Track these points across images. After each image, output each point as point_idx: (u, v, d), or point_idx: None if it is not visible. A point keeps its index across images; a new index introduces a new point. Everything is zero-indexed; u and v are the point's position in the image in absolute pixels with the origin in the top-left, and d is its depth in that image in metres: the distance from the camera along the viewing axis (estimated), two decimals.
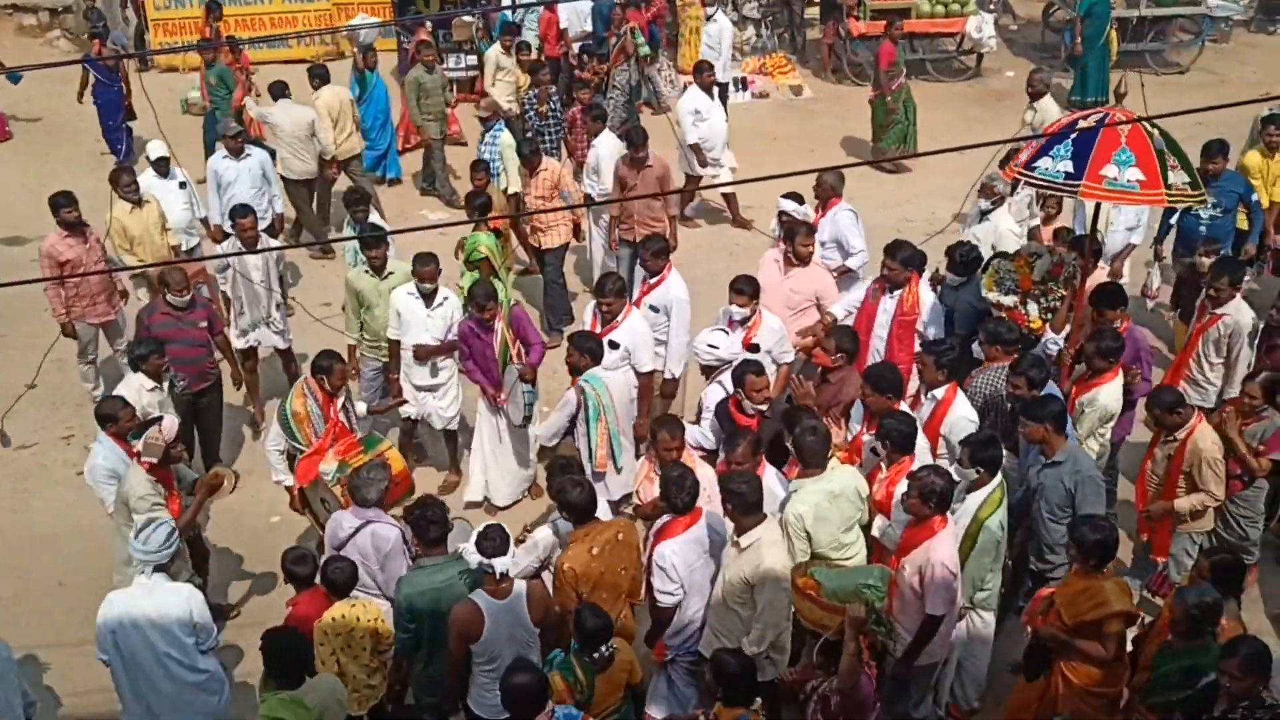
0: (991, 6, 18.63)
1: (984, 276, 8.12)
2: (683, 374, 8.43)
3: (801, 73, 17.62)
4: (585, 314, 8.14)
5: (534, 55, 14.29)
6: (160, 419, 6.71)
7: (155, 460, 6.54)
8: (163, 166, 10.35)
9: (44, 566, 8.16)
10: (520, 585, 5.74)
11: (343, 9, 17.61)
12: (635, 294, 8.57)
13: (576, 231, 10.83)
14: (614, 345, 7.72)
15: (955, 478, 6.30)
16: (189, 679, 5.92)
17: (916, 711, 6.23)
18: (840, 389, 7.21)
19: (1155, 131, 6.86)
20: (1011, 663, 6.62)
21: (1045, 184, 7.13)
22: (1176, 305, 9.94)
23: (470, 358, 8.25)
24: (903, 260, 7.93)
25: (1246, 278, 9.28)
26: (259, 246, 9.08)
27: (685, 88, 14.00)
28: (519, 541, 6.09)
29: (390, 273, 8.62)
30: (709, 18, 14.30)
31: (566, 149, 12.66)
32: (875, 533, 6.29)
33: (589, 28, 15.45)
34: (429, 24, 15.28)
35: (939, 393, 6.99)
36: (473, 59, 15.58)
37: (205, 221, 10.81)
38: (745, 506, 5.73)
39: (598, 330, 7.78)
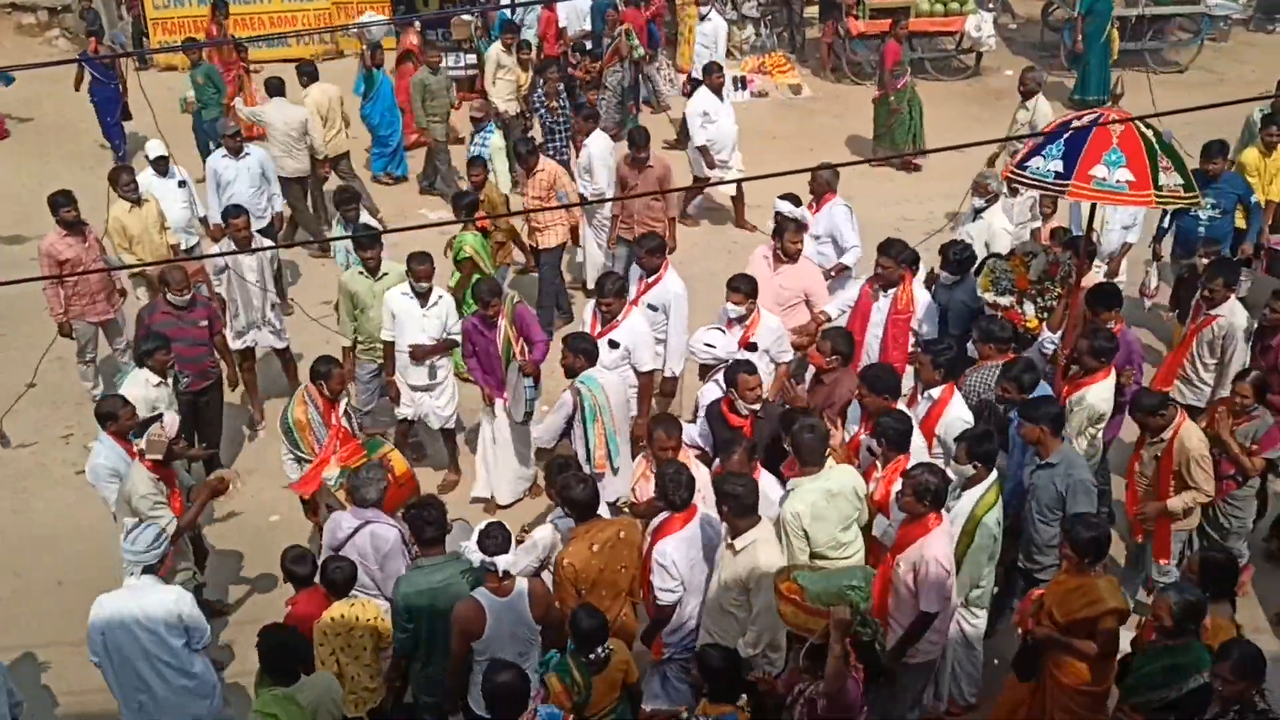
0: (990, 5, 18.65)
1: (980, 277, 8.13)
2: (681, 372, 8.44)
3: (801, 72, 17.62)
4: (585, 313, 8.14)
5: (535, 54, 14.31)
6: (161, 416, 6.71)
7: (159, 457, 6.55)
8: (162, 165, 10.36)
9: (43, 566, 8.16)
10: (522, 583, 5.75)
11: (342, 8, 17.60)
12: (633, 293, 8.57)
13: (575, 235, 10.79)
14: (614, 345, 7.72)
15: (950, 475, 6.32)
16: (179, 681, 5.93)
17: (911, 713, 6.23)
18: (834, 390, 7.20)
19: (1150, 132, 6.84)
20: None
21: (1036, 183, 7.13)
22: (1175, 306, 9.94)
23: (474, 355, 8.25)
24: (896, 258, 7.93)
25: (1243, 278, 9.30)
26: (253, 246, 9.09)
27: (687, 85, 14.07)
28: (518, 542, 6.09)
29: (385, 273, 8.60)
30: (703, 17, 14.28)
31: (574, 147, 12.66)
32: (876, 533, 6.29)
33: (588, 26, 15.45)
34: (417, 25, 15.26)
35: (935, 392, 7.00)
36: (472, 58, 15.59)
37: (204, 220, 10.81)
38: (740, 509, 5.71)
39: (597, 330, 7.78)
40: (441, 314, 8.36)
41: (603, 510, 6.36)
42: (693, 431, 7.15)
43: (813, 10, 18.42)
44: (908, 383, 7.42)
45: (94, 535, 8.00)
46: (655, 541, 6.00)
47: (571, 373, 7.26)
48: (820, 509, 6.02)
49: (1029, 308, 7.90)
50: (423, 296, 8.26)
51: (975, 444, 6.23)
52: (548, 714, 5.13)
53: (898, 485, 6.00)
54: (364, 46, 13.74)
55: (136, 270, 9.79)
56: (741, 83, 16.61)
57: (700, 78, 14.10)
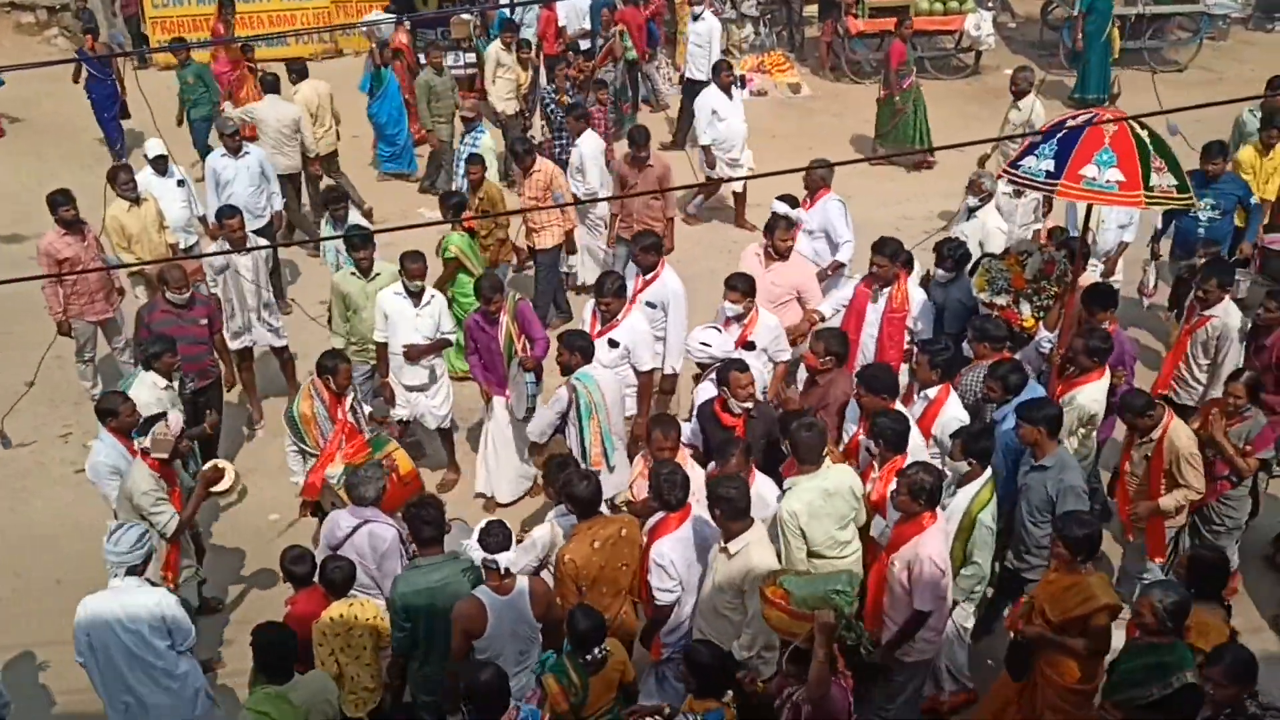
0: (990, 4, 18.64)
1: (975, 276, 8.13)
2: (680, 369, 8.44)
3: (800, 70, 17.62)
4: (585, 312, 8.14)
5: (535, 53, 14.31)
6: (165, 415, 6.71)
7: (165, 456, 6.54)
8: (161, 164, 10.36)
9: (42, 565, 8.16)
10: (523, 581, 5.76)
11: (340, 6, 17.61)
12: (630, 291, 8.56)
13: (569, 240, 10.74)
14: (614, 344, 7.71)
15: (945, 473, 6.32)
16: (164, 682, 5.93)
17: (905, 713, 6.24)
18: (828, 391, 7.19)
19: (1145, 132, 6.83)
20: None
21: (1028, 182, 7.13)
22: (1174, 306, 9.95)
23: (475, 352, 8.25)
24: (891, 257, 7.93)
25: (1240, 278, 9.31)
26: (248, 246, 9.08)
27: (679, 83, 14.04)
28: (517, 541, 6.09)
29: (377, 274, 8.58)
30: (696, 16, 14.20)
31: None
32: (874, 533, 6.29)
33: (588, 25, 15.45)
34: (407, 25, 15.25)
35: (931, 392, 7.00)
36: (471, 57, 15.59)
37: (204, 219, 10.81)
38: (733, 512, 5.70)
39: (597, 329, 7.78)
40: (435, 313, 8.35)
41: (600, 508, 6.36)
42: (690, 431, 7.16)
43: (812, 9, 18.42)
44: (902, 381, 7.42)
45: (93, 534, 7.93)
46: (652, 542, 6.01)
47: (567, 370, 7.26)
48: (817, 508, 6.02)
49: (1025, 307, 7.91)
50: (416, 296, 8.25)
51: (970, 441, 6.25)
52: (529, 711, 5.16)
53: (893, 485, 6.00)
54: (373, 45, 13.76)
55: (135, 269, 9.79)
56: (741, 81, 16.50)
57: (692, 76, 14.17)
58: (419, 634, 5.81)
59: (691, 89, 14.38)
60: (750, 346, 7.62)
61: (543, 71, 14.50)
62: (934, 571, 5.70)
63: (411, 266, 8.16)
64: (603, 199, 10.83)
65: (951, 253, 8.23)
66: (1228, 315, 7.92)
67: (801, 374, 7.94)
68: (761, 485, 6.33)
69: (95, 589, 5.98)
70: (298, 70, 12.66)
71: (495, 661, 5.70)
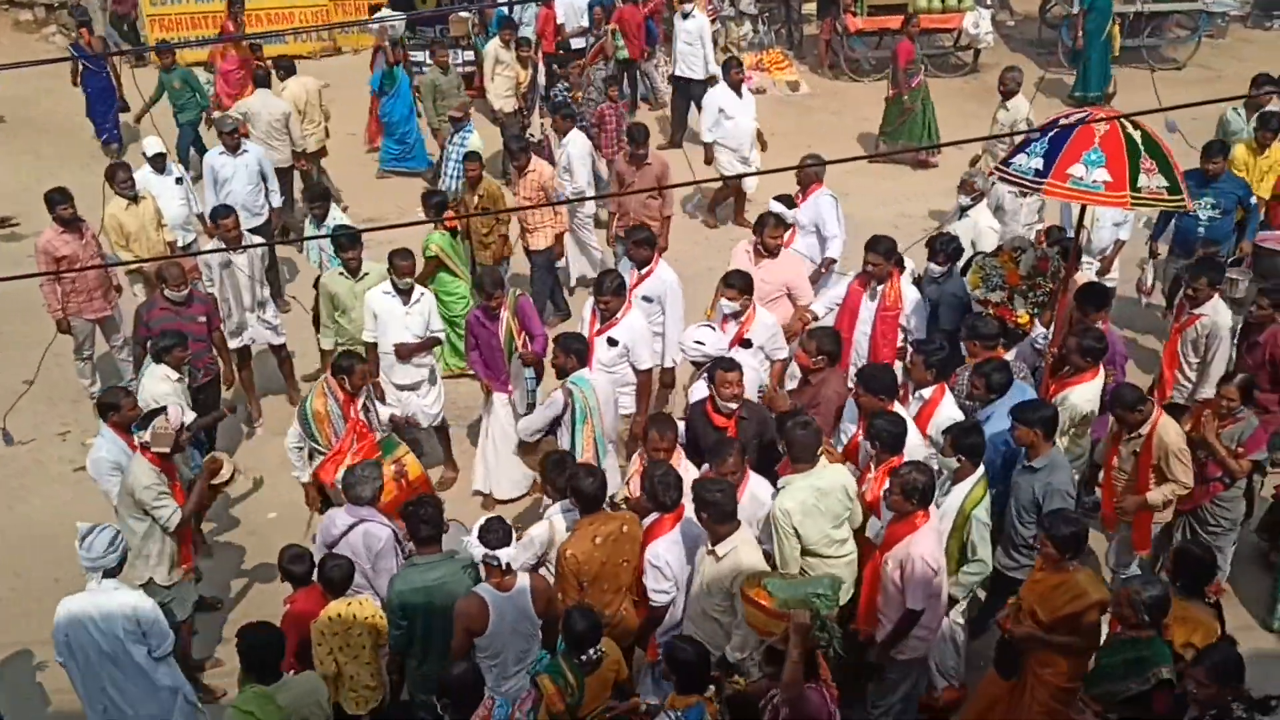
0: (988, 2, 18.60)
1: (969, 273, 8.13)
2: (680, 363, 8.43)
3: (798, 68, 17.61)
4: (584, 311, 8.13)
5: (534, 51, 14.30)
6: (165, 409, 6.70)
7: (166, 450, 6.54)
8: (159, 162, 10.35)
9: (41, 564, 8.15)
10: (524, 578, 5.77)
11: (339, 5, 17.58)
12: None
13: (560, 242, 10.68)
14: (613, 342, 7.71)
15: (937, 467, 6.34)
16: (140, 685, 5.94)
17: (900, 711, 6.24)
18: (820, 390, 7.18)
19: (1138, 133, 6.82)
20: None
21: (1017, 180, 7.13)
22: (1172, 306, 9.94)
23: (476, 348, 8.25)
24: (885, 255, 7.93)
25: (1239, 277, 9.31)
26: (244, 244, 9.09)
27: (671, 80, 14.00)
28: (516, 539, 6.09)
29: (365, 273, 8.57)
30: (685, 15, 14.14)
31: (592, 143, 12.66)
32: (870, 534, 6.27)
33: (585, 23, 15.43)
34: (394, 26, 15.23)
35: (926, 392, 6.99)
36: (469, 55, 15.58)
37: (202, 217, 10.80)
38: (720, 515, 5.68)
39: (596, 327, 7.77)
40: (424, 311, 8.35)
41: None
42: (682, 430, 7.16)
43: (810, 7, 18.41)
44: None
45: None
46: (647, 543, 6.01)
47: (562, 373, 7.25)
48: (810, 506, 6.01)
49: (1019, 303, 7.91)
50: (405, 294, 8.24)
51: (961, 437, 6.25)
52: (502, 704, 5.19)
53: (887, 484, 6.00)
54: (385, 43, 13.77)
55: (133, 267, 9.78)
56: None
57: (682, 74, 14.14)
58: (416, 632, 5.82)
59: (683, 87, 14.38)
60: (747, 344, 7.62)
61: (541, 70, 14.49)
62: (926, 570, 5.70)
63: (400, 264, 8.15)
64: (601, 197, 10.81)
65: (944, 247, 8.24)
66: (1217, 314, 7.92)
67: (794, 372, 7.93)
68: (756, 485, 6.32)
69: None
70: (285, 67, 12.70)
71: (498, 660, 5.74)
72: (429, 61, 13.94)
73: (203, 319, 8.48)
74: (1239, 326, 8.21)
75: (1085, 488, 7.71)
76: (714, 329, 7.49)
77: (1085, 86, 15.60)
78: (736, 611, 5.68)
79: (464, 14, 15.70)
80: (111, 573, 5.88)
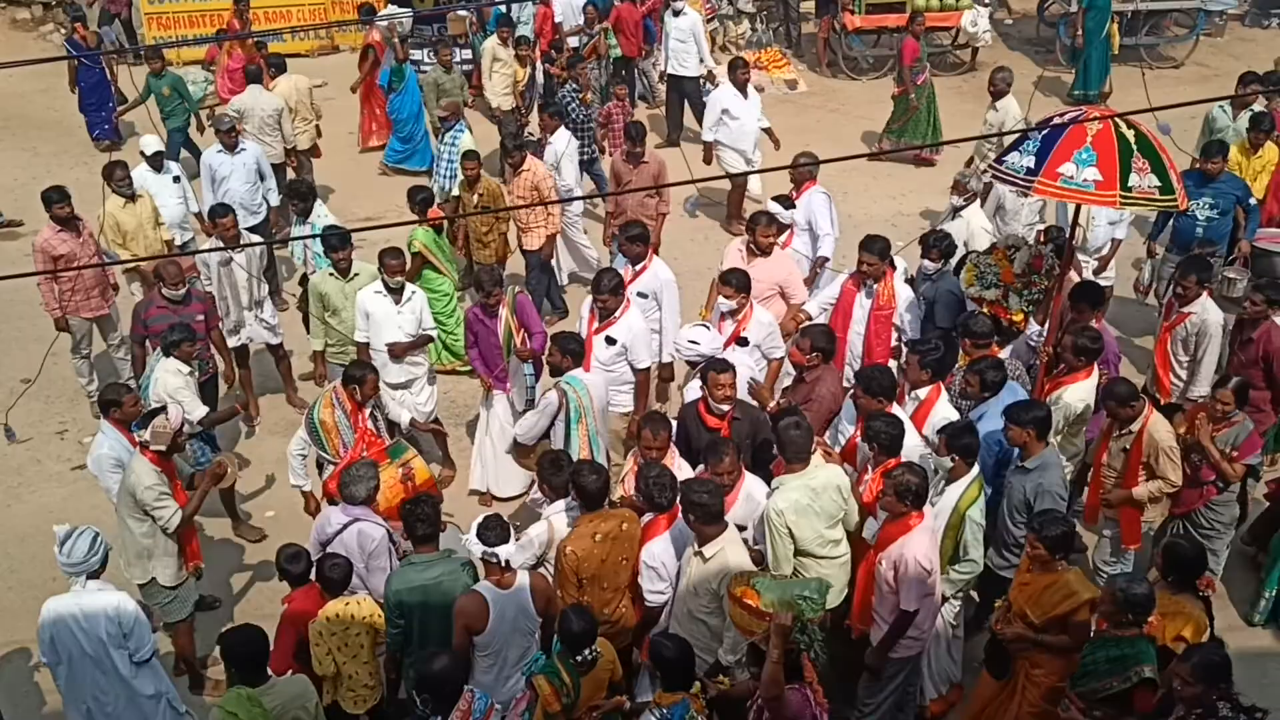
0: (986, 1, 18.63)
1: (964, 271, 8.13)
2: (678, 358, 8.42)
3: (796, 67, 17.61)
4: (582, 310, 8.13)
5: (533, 49, 14.29)
6: (165, 408, 6.70)
7: (164, 448, 6.53)
8: (156, 161, 10.34)
9: (37, 563, 8.14)
10: (523, 576, 5.77)
11: (337, 3, 17.57)
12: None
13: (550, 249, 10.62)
14: (611, 341, 7.70)
15: (932, 465, 6.34)
16: (121, 688, 5.94)
17: (893, 710, 6.24)
18: (814, 388, 7.18)
19: (1131, 132, 6.81)
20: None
21: (1010, 178, 7.14)
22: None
23: (475, 345, 8.25)
24: (879, 254, 7.93)
25: (1237, 276, 9.32)
26: (241, 243, 9.08)
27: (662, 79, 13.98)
28: (514, 539, 6.09)
29: (355, 274, 8.54)
30: (677, 12, 14.07)
31: (600, 147, 12.69)
32: (866, 535, 6.27)
33: (582, 22, 15.43)
34: (402, 22, 15.25)
35: (922, 392, 6.99)
36: (467, 53, 15.58)
37: (199, 216, 10.79)
38: (708, 516, 5.67)
39: (594, 326, 7.77)
40: (416, 309, 8.35)
41: None
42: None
43: (809, 5, 18.40)
44: None
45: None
46: (643, 543, 6.01)
47: (557, 371, 7.26)
48: (804, 506, 6.01)
49: (1014, 301, 7.91)
50: (396, 293, 8.24)
51: (954, 437, 6.26)
52: (481, 696, 5.20)
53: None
54: (394, 39, 13.78)
55: (131, 265, 9.78)
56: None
57: (675, 72, 14.12)
58: (413, 631, 5.82)
59: (676, 84, 14.35)
60: (744, 343, 7.62)
61: (539, 68, 14.48)
62: (919, 571, 5.71)
63: (391, 263, 8.14)
64: (598, 196, 10.79)
65: (938, 243, 8.24)
66: (1206, 312, 7.92)
67: (788, 369, 7.93)
68: (752, 485, 6.31)
69: None
70: (276, 65, 12.71)
71: (498, 659, 5.74)
72: (430, 60, 13.95)
73: (200, 317, 8.46)
74: (1230, 325, 8.20)
75: (1076, 488, 7.72)
76: (708, 328, 7.49)
77: (1086, 85, 15.59)
78: (724, 612, 5.66)
79: (462, 12, 15.70)
80: (95, 574, 5.88)
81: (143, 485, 6.46)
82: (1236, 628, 7.32)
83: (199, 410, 7.72)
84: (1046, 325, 7.66)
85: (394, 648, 5.91)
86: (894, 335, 8.06)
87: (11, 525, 8.62)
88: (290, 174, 12.43)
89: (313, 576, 6.07)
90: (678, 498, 5.96)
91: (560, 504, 6.28)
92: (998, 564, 6.64)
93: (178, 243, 10.23)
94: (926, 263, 8.25)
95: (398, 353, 8.27)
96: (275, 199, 11.26)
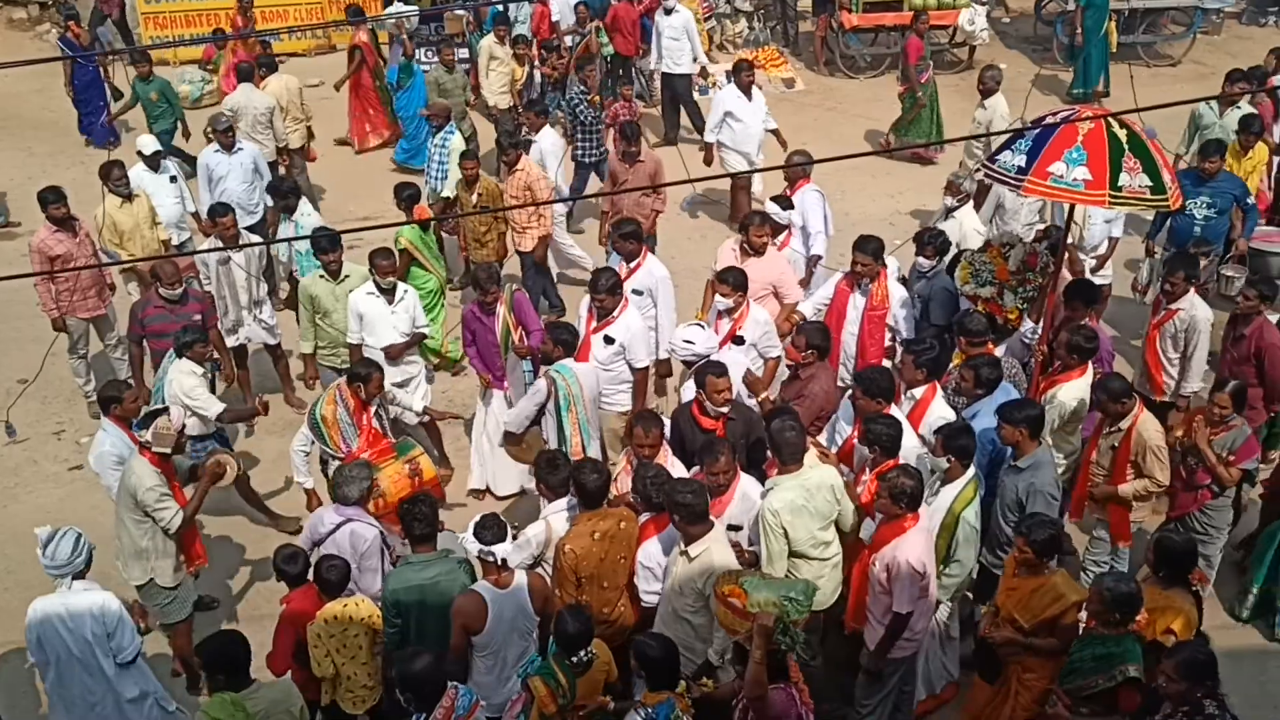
0: None
1: (958, 269, 8.13)
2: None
3: (794, 65, 17.61)
4: (581, 309, 8.13)
5: (530, 48, 14.28)
6: (167, 409, 6.68)
7: (168, 450, 6.53)
8: (154, 161, 10.33)
9: (34, 563, 8.04)
10: (521, 576, 5.77)
11: (334, 3, 17.54)
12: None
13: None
14: (609, 340, 7.70)
15: (928, 465, 6.34)
16: (105, 689, 5.93)
17: (889, 709, 6.25)
18: (807, 384, 7.18)
19: (1123, 132, 6.81)
20: None
21: (1000, 177, 7.14)
22: None
23: (473, 344, 8.25)
24: (873, 255, 7.94)
25: (1234, 275, 9.32)
26: (240, 243, 9.07)
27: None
28: (511, 538, 6.08)
29: (346, 275, 8.52)
30: (668, 10, 14.03)
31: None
32: (863, 535, 6.26)
33: (574, 21, 15.41)
34: (388, 22, 15.24)
35: (917, 392, 6.99)
36: (464, 52, 15.56)
37: (196, 216, 10.78)
38: (692, 516, 5.66)
39: (592, 325, 7.77)
40: (409, 308, 8.35)
41: None
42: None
43: (806, 3, 18.38)
44: None
45: (86, 532, 7.95)
46: (640, 543, 6.01)
47: (547, 360, 7.29)
48: (799, 506, 6.00)
49: (1009, 298, 7.91)
50: (389, 294, 8.23)
51: (951, 438, 6.25)
52: (465, 692, 5.19)
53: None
54: (402, 35, 13.76)
55: (128, 266, 9.77)
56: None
57: (668, 70, 14.10)
58: (409, 631, 5.82)
59: (669, 82, 14.34)
60: (740, 341, 7.62)
61: (538, 67, 14.48)
62: (912, 574, 5.70)
63: (382, 264, 8.13)
64: (595, 195, 10.77)
65: (932, 240, 8.25)
66: (1194, 308, 7.92)
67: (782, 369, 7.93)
68: (746, 485, 6.30)
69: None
70: (267, 64, 12.72)
71: (496, 658, 5.73)
72: (428, 59, 13.93)
73: (197, 317, 8.45)
74: (1227, 319, 8.21)
75: (1071, 487, 7.72)
76: (703, 328, 7.49)
77: (1086, 83, 15.59)
78: (710, 612, 5.65)
79: (459, 11, 15.68)
80: (80, 575, 5.87)
81: (144, 486, 6.45)
82: (1225, 627, 7.32)
83: (216, 407, 7.73)
84: (1041, 323, 7.66)
85: (391, 647, 5.90)
86: (888, 335, 8.05)
87: (8, 526, 8.61)
88: (282, 173, 12.45)
89: (310, 577, 6.06)
90: None
91: (559, 504, 6.28)
92: (991, 563, 6.65)
93: (175, 242, 10.22)
94: (921, 260, 8.25)
95: (394, 354, 8.26)
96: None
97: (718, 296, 7.69)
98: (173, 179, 10.47)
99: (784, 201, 9.13)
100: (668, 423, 7.18)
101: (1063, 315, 7.66)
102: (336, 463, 7.20)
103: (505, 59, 13.63)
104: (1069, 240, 9.04)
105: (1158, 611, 5.60)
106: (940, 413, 6.89)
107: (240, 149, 10.88)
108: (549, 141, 11.02)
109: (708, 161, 12.01)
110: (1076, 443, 7.31)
